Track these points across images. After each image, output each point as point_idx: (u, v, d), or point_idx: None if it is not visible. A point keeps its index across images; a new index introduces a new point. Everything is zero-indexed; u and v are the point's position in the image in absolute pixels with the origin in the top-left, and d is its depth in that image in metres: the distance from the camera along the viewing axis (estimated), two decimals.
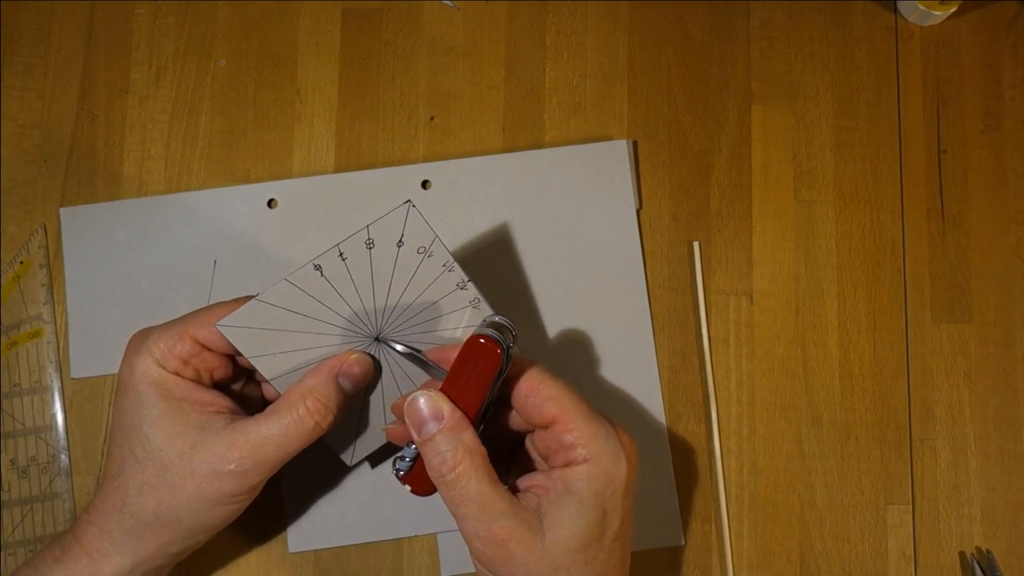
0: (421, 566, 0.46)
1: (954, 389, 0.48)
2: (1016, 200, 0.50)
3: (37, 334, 0.48)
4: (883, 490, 0.47)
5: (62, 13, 0.51)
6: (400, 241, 0.37)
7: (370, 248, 0.37)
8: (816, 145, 0.50)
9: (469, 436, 0.35)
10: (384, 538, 0.46)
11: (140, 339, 0.38)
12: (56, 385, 0.47)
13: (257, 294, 0.37)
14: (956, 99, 0.51)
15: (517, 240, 0.48)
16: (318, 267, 0.36)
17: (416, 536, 0.46)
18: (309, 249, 0.48)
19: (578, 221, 0.48)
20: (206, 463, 0.36)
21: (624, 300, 0.48)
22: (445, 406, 0.35)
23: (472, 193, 0.48)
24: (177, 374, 0.38)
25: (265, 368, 0.38)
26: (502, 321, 0.36)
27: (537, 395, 0.36)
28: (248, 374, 0.42)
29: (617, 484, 0.35)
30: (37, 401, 0.47)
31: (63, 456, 0.47)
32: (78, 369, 0.47)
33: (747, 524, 0.46)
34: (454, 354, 0.36)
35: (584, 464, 0.35)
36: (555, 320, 0.47)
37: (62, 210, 0.48)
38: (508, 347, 0.35)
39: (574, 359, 0.47)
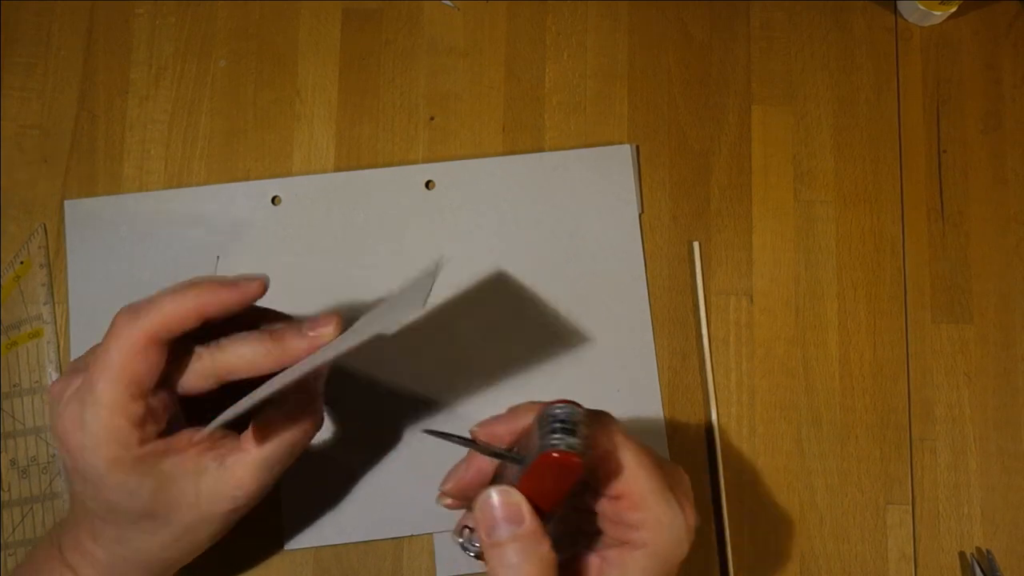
0: (421, 566, 0.46)
1: (954, 389, 0.48)
2: (1016, 200, 0.50)
3: (37, 334, 0.48)
4: (883, 490, 0.47)
5: (62, 13, 0.51)
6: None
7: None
8: (816, 145, 0.50)
9: (546, 549, 0.30)
10: (381, 537, 0.46)
11: (76, 424, 0.33)
12: None
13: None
14: (956, 99, 0.51)
15: (519, 241, 0.48)
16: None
17: (416, 536, 0.46)
18: (312, 247, 0.48)
19: (581, 224, 0.48)
20: (216, 505, 0.35)
21: (625, 301, 0.48)
22: (526, 510, 0.30)
23: (476, 194, 0.48)
24: (140, 441, 0.34)
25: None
26: (569, 414, 0.31)
27: (607, 466, 0.32)
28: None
29: (671, 565, 0.32)
30: (37, 401, 0.47)
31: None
32: None
33: (747, 524, 0.46)
34: (502, 428, 0.33)
35: (642, 550, 0.32)
36: (556, 321, 0.47)
37: (67, 202, 0.48)
38: (587, 450, 0.30)
39: (575, 359, 0.47)
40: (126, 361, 0.33)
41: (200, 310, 0.34)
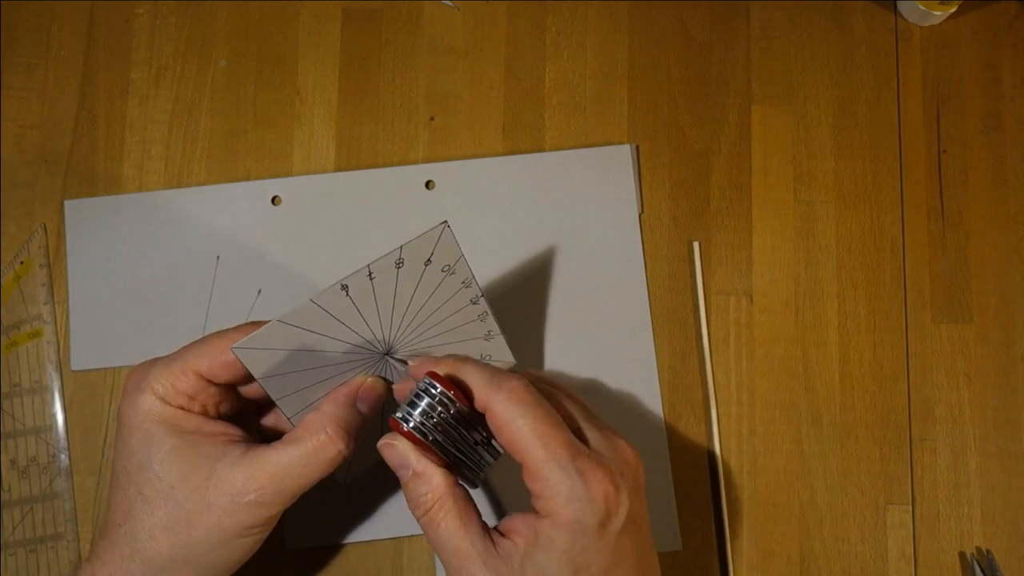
0: (421, 566, 0.46)
1: (954, 389, 0.48)
2: (1016, 200, 0.50)
3: (37, 334, 0.48)
4: (883, 490, 0.47)
5: (62, 13, 0.51)
6: (428, 260, 0.36)
7: (399, 267, 0.36)
8: (816, 145, 0.50)
9: (438, 479, 0.35)
10: (381, 537, 0.46)
11: (140, 376, 0.37)
12: (56, 385, 0.47)
13: (270, 319, 0.35)
14: (956, 99, 0.51)
15: (519, 241, 0.48)
16: (345, 287, 0.36)
17: (416, 536, 0.46)
18: (312, 247, 0.48)
19: (580, 224, 0.48)
20: (224, 495, 0.35)
21: (625, 301, 0.48)
22: (411, 455, 0.35)
23: (476, 194, 0.48)
24: (183, 409, 0.37)
25: (274, 389, 0.37)
26: (433, 396, 0.35)
27: (501, 435, 0.34)
28: (248, 403, 0.41)
29: (587, 539, 0.33)
30: (37, 401, 0.47)
31: (63, 456, 0.47)
32: (78, 362, 0.47)
33: (747, 524, 0.46)
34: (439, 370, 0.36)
35: (547, 520, 0.33)
36: (556, 321, 0.47)
37: (67, 202, 0.48)
38: (438, 420, 0.35)
39: (574, 360, 0.47)
40: (204, 351, 0.37)
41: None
